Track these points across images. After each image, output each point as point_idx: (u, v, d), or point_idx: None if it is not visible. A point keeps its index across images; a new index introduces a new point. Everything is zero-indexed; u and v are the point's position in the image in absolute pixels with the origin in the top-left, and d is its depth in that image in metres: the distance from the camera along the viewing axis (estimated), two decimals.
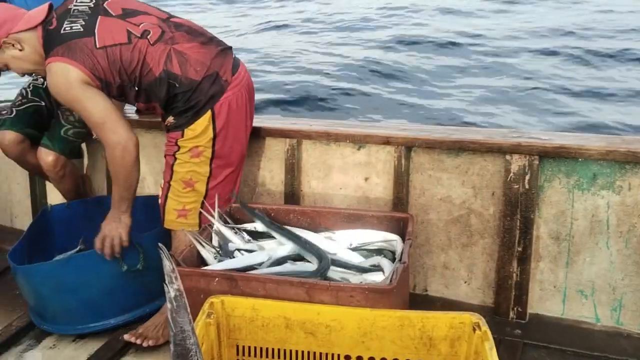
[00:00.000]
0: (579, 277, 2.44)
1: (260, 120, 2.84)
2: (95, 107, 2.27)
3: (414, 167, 2.60)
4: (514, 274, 2.49)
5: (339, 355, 1.93)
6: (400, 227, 2.30)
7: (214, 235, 2.31)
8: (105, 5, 2.37)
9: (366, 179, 2.70)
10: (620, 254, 2.36)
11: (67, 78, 2.24)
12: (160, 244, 1.65)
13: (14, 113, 2.78)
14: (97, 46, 2.27)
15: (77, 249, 2.74)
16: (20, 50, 2.35)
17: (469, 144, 2.44)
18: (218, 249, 2.26)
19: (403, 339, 1.89)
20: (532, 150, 2.36)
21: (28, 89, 2.86)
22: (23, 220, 3.41)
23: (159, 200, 2.49)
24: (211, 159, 2.39)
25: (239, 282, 1.99)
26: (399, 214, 2.34)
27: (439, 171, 2.57)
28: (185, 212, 2.42)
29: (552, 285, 2.49)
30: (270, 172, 2.85)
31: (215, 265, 2.17)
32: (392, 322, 1.87)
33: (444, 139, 2.48)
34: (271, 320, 1.93)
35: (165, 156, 2.44)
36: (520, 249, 2.46)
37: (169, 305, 1.60)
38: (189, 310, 1.60)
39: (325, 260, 2.05)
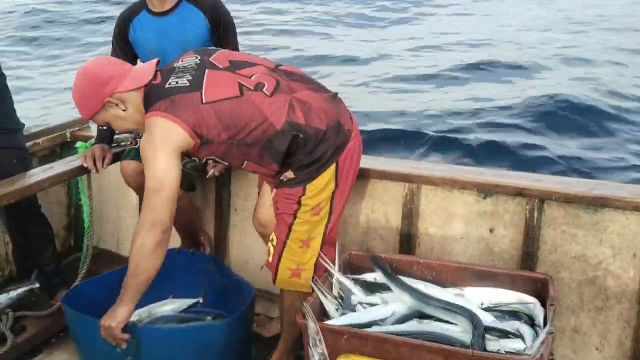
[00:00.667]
0: None
1: (376, 162, 2.75)
2: (165, 173, 2.05)
3: (546, 221, 2.42)
4: None
5: None
6: (537, 289, 2.13)
7: (334, 285, 2.21)
8: (211, 59, 2.22)
9: (491, 230, 2.54)
10: None
11: (168, 134, 2.06)
12: (305, 304, 1.55)
13: (138, 143, 2.77)
14: (204, 101, 2.08)
15: (195, 301, 2.67)
16: (124, 110, 2.18)
17: (613, 201, 2.26)
18: (340, 301, 2.15)
19: None
20: None
21: None
22: (129, 247, 3.42)
23: (269, 258, 2.33)
24: (329, 214, 2.25)
25: (370, 341, 1.87)
26: (536, 274, 2.17)
27: (574, 227, 2.39)
28: (300, 271, 2.27)
29: None
30: (385, 215, 2.74)
31: (337, 320, 2.06)
32: None
33: (584, 194, 2.30)
34: None
35: (280, 213, 2.25)
36: None
37: None
38: None
39: (478, 324, 1.90)
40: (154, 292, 2.49)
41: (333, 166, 2.18)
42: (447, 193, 2.60)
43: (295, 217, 2.22)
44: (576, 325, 2.44)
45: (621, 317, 2.35)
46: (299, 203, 2.20)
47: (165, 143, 2.06)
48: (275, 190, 2.28)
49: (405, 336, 1.94)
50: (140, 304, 2.42)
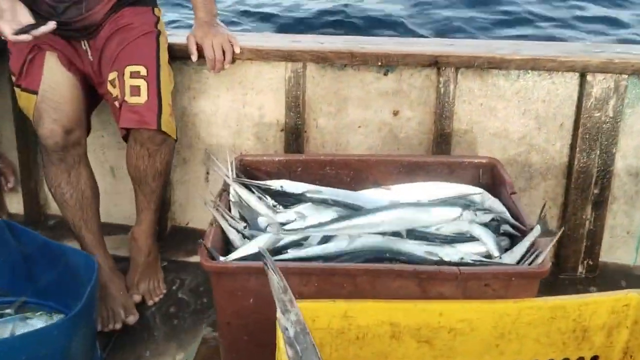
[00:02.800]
0: None
1: (247, 38, 2.11)
2: None
3: (461, 95, 2.03)
4: (587, 221, 2.05)
5: None
6: (478, 176, 1.75)
7: (232, 205, 1.62)
8: None
9: (395, 113, 2.09)
10: None
11: None
12: (260, 247, 0.96)
13: None
14: None
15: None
16: None
17: (545, 62, 1.91)
18: (245, 225, 1.57)
19: (551, 335, 1.37)
20: (625, 68, 1.87)
21: None
22: None
23: (139, 100, 1.77)
24: None
25: (314, 277, 1.34)
26: (478, 158, 1.77)
27: (493, 99, 2.02)
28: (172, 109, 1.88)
29: (625, 231, 2.09)
30: (261, 108, 2.15)
31: (245, 248, 1.48)
32: (541, 314, 1.35)
33: (512, 57, 1.92)
34: (370, 330, 1.32)
35: (139, 38, 1.86)
36: (597, 191, 2.01)
37: (289, 351, 0.94)
38: (319, 353, 0.96)
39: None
40: None
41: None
42: (339, 72, 2.07)
43: (158, 43, 1.88)
44: None
45: (546, 196, 2.09)
46: (157, 28, 1.90)
47: None
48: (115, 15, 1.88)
49: (348, 258, 1.46)
50: None
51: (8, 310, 1.80)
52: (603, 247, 2.10)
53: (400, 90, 2.06)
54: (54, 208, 2.35)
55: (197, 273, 2.12)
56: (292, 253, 1.50)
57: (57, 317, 1.76)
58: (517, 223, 1.51)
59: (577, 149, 1.99)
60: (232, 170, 1.63)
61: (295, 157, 1.77)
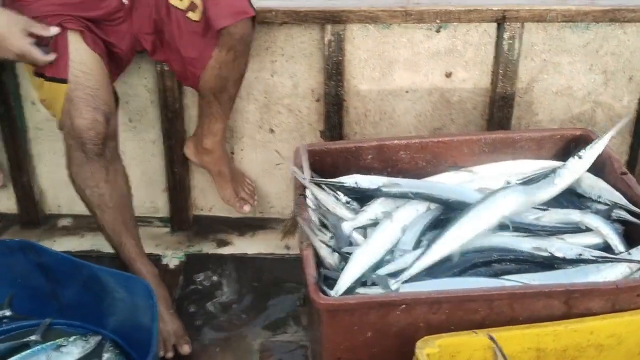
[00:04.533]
0: None
1: None
2: None
3: (522, 51, 1.81)
4: None
5: None
6: (568, 151, 1.56)
7: (311, 211, 1.38)
8: None
9: (448, 75, 1.86)
10: None
11: None
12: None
13: None
14: None
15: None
16: None
17: (626, 13, 1.70)
18: (331, 236, 1.34)
19: None
20: None
21: None
22: None
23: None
24: None
25: (445, 305, 1.14)
26: (570, 130, 1.58)
27: (557, 54, 1.82)
28: None
29: None
30: (293, 77, 1.87)
31: (348, 270, 1.26)
32: None
33: (589, 9, 1.70)
34: (514, 358, 1.15)
35: None
36: None
37: None
38: None
39: None
40: None
41: None
42: (383, 31, 1.80)
43: None
44: None
45: None
46: None
47: None
48: None
49: (454, 265, 1.28)
50: None
51: (33, 337, 1.56)
52: None
53: (454, 48, 1.82)
54: (50, 204, 2.05)
55: (234, 267, 1.89)
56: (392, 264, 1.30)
57: (93, 340, 1.56)
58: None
59: None
60: (307, 169, 1.38)
61: (366, 143, 1.53)
